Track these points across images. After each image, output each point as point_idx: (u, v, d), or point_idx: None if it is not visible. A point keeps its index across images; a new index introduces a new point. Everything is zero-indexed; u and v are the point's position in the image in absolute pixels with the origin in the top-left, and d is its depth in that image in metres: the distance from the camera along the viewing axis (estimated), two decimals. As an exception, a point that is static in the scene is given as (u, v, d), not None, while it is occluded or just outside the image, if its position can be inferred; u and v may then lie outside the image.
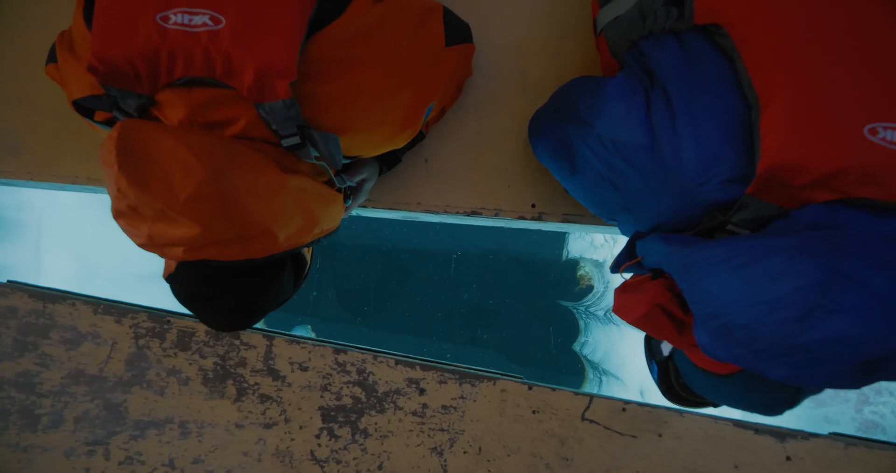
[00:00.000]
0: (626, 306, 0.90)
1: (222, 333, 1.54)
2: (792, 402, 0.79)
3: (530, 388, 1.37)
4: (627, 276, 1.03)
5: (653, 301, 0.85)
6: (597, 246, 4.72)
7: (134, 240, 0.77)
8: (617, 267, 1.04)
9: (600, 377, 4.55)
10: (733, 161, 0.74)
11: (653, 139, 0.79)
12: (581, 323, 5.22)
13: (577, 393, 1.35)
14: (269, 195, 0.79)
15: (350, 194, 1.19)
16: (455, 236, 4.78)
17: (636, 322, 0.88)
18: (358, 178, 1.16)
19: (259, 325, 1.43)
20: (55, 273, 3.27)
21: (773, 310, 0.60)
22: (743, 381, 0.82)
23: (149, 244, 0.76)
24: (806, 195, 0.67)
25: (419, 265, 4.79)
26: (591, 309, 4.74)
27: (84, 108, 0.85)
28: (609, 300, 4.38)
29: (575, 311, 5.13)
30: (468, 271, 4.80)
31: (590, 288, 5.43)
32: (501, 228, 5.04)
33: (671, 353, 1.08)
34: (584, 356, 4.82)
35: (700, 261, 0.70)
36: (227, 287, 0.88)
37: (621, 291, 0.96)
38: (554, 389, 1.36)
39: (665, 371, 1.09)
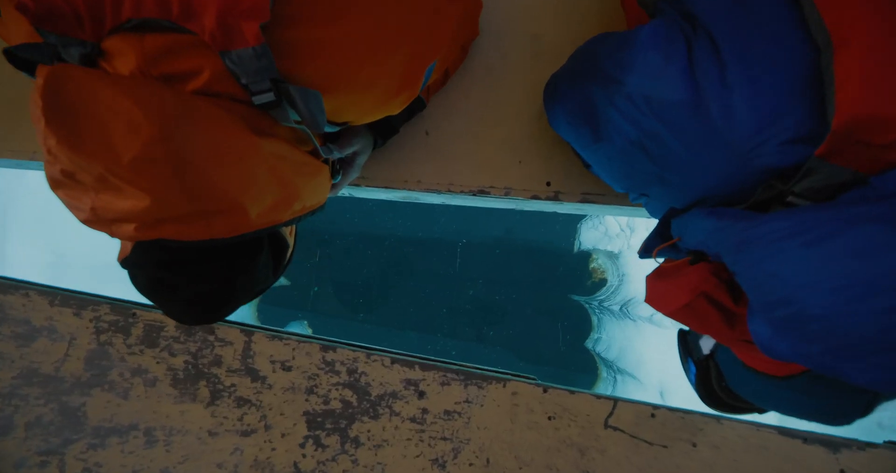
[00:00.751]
0: (664, 295, 0.79)
1: (194, 327, 1.43)
2: (866, 410, 0.70)
3: (545, 391, 1.27)
4: (660, 261, 0.92)
5: (696, 289, 0.74)
6: (611, 236, 4.60)
7: (77, 216, 0.69)
8: (647, 251, 0.94)
9: (615, 376, 4.45)
10: (798, 117, 0.64)
11: (696, 94, 0.68)
12: (594, 319, 5.12)
13: (598, 397, 1.25)
14: (235, 161, 0.69)
15: (339, 168, 1.08)
16: (459, 223, 4.67)
17: (676, 314, 0.77)
18: (348, 150, 1.05)
19: (237, 318, 1.32)
20: (23, 263, 3.16)
21: (862, 296, 0.49)
22: (806, 384, 0.72)
23: (93, 220, 0.67)
24: (891, 157, 0.56)
25: (421, 256, 4.70)
26: (605, 304, 4.63)
27: (20, 60, 0.74)
28: (624, 293, 4.27)
29: (587, 306, 5.02)
30: (474, 263, 4.70)
31: (603, 282, 5.32)
32: (511, 211, 4.92)
33: (713, 350, 0.97)
34: (598, 354, 4.73)
35: (761, 237, 0.60)
36: (191, 274, 0.78)
37: (655, 278, 0.85)
38: (572, 392, 1.26)
39: (705, 372, 0.99)
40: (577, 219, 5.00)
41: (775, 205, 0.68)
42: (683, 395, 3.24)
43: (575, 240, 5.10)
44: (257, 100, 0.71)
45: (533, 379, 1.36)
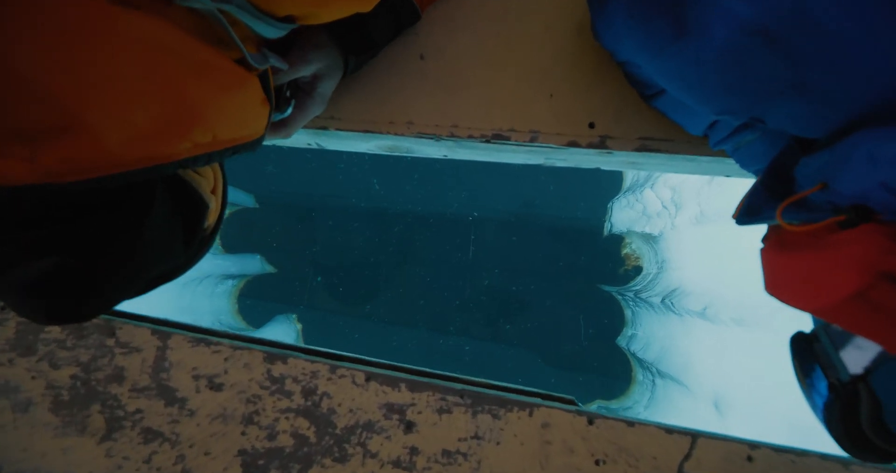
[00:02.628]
0: (808, 279, 0.54)
1: (87, 325, 1.18)
2: None
3: (591, 422, 1.01)
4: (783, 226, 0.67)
5: (871, 267, 0.49)
6: (649, 216, 4.29)
7: None
8: (755, 213, 0.69)
9: (653, 380, 4.19)
10: None
11: None
12: (627, 312, 4.85)
13: (670, 430, 0.98)
14: (70, 43, 0.45)
15: (291, 97, 0.82)
16: (469, 193, 4.40)
17: (833, 310, 0.51)
18: (303, 69, 0.81)
19: (153, 309, 1.07)
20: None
21: None
22: None
23: None
24: None
25: (426, 237, 4.44)
26: (642, 295, 4.36)
27: None
28: (666, 283, 3.98)
29: (620, 298, 4.76)
30: (487, 246, 4.44)
31: (638, 269, 5.03)
32: (530, 178, 4.65)
33: (869, 369, 0.69)
34: (632, 354, 4.47)
35: None
36: (27, 243, 0.54)
37: (780, 251, 0.60)
38: (630, 423, 0.99)
39: (849, 401, 0.71)
40: (608, 194, 4.72)
41: None
42: (747, 410, 2.99)
43: (605, 221, 4.82)
44: None
45: (572, 403, 1.07)
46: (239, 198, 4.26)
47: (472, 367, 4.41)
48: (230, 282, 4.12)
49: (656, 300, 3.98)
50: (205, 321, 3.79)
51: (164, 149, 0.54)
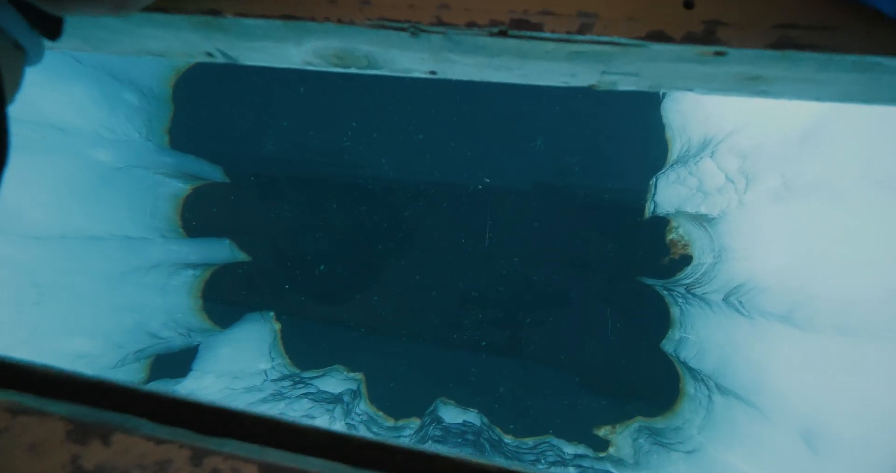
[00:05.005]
0: None
1: None
2: None
3: None
4: None
5: None
6: (706, 192, 3.50)
7: None
8: None
9: (709, 397, 3.45)
10: None
11: None
12: (674, 311, 4.10)
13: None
14: None
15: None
16: (476, 155, 3.67)
17: None
18: None
19: None
20: None
21: None
22: None
23: None
24: None
25: (432, 216, 3.74)
26: (696, 291, 3.60)
27: None
28: (727, 276, 3.21)
29: (666, 293, 4.01)
30: (505, 229, 3.73)
31: (687, 259, 4.26)
32: (551, 145, 3.88)
33: None
34: (681, 361, 3.73)
35: None
36: None
37: None
38: None
39: None
40: (650, 167, 3.95)
41: None
42: (849, 448, 2.25)
43: (647, 200, 4.05)
44: None
45: None
46: (203, 170, 3.55)
47: (483, 382, 3.69)
48: (190, 272, 3.45)
49: (716, 298, 3.22)
50: (155, 323, 3.11)
51: None
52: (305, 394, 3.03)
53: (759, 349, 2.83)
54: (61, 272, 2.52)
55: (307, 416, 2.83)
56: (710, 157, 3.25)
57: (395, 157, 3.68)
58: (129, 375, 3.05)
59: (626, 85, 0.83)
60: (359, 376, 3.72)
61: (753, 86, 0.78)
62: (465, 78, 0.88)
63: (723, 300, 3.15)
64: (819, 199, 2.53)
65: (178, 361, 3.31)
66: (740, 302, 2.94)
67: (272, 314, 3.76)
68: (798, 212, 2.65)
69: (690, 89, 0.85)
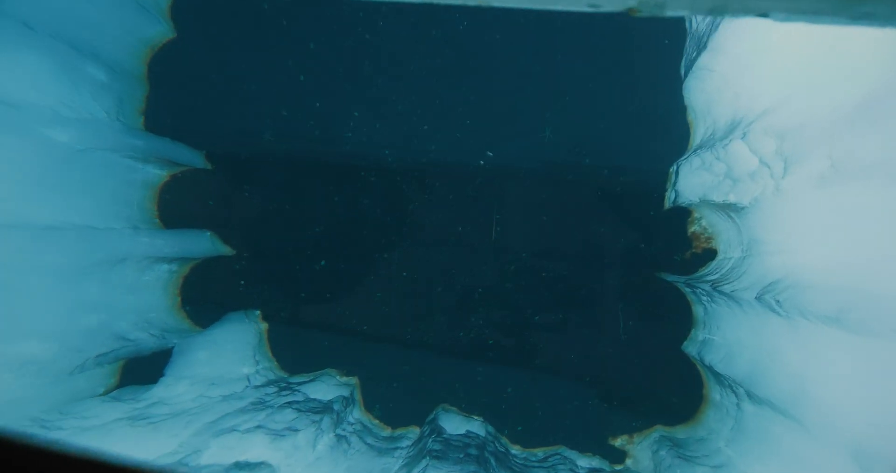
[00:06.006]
0: None
1: None
2: None
3: None
4: None
5: None
6: (735, 178, 3.16)
7: None
8: None
9: (738, 405, 3.13)
10: None
11: None
12: (697, 310, 3.78)
13: None
14: None
15: None
16: (479, 125, 3.35)
17: None
18: None
19: None
20: None
21: None
22: None
23: None
24: None
25: (433, 203, 3.43)
26: (723, 288, 3.27)
27: None
28: (760, 272, 2.88)
29: (688, 291, 3.69)
30: (514, 222, 3.43)
31: (710, 253, 3.94)
32: (559, 127, 3.54)
33: None
34: (706, 365, 3.41)
35: None
36: None
37: None
38: None
39: None
40: (670, 152, 3.63)
41: None
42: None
43: (668, 188, 3.73)
44: None
45: None
46: (182, 155, 3.25)
47: (488, 387, 3.40)
48: (165, 267, 3.16)
49: (747, 296, 2.91)
50: (123, 324, 2.82)
51: None
52: (290, 403, 2.74)
53: (801, 353, 2.52)
54: (8, 267, 2.23)
55: (290, 428, 2.54)
56: (742, 139, 2.92)
57: (395, 138, 3.37)
58: (93, 382, 2.77)
59: (676, 8, 0.71)
60: (353, 380, 3.42)
61: (855, 6, 0.67)
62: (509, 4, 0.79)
63: (755, 298, 2.83)
64: (874, 182, 2.21)
65: (151, 365, 3.02)
66: (777, 301, 2.62)
67: (258, 312, 3.46)
68: (848, 198, 2.33)
69: (765, 15, 0.73)
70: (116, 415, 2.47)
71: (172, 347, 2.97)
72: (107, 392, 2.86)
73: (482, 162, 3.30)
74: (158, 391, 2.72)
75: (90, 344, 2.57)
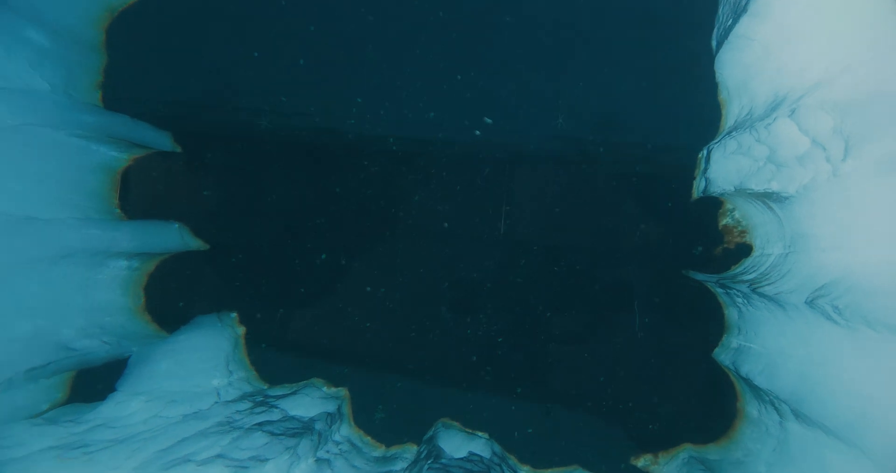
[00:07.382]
0: None
1: None
2: None
3: None
4: None
5: None
6: (779, 163, 2.78)
7: None
8: None
9: (780, 423, 2.77)
10: None
11: None
12: (731, 313, 3.41)
13: None
14: None
15: None
16: (496, 125, 2.99)
17: None
18: None
19: None
20: None
21: None
22: None
23: None
24: None
25: (433, 192, 3.08)
26: (763, 289, 2.90)
27: None
28: (809, 272, 2.51)
29: (720, 291, 3.33)
30: (525, 212, 3.07)
31: (745, 249, 3.57)
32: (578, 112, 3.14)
33: None
34: (741, 376, 3.06)
35: None
36: None
37: None
38: None
39: None
40: (700, 135, 3.26)
41: None
42: None
43: (696, 176, 3.36)
44: None
45: None
46: (146, 136, 2.89)
47: (494, 399, 3.04)
48: (124, 263, 2.80)
49: (793, 299, 2.54)
50: (68, 330, 2.46)
51: None
52: (262, 424, 2.38)
53: (865, 369, 2.15)
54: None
55: (257, 457, 2.18)
56: (789, 116, 2.54)
57: (393, 117, 3.00)
58: (32, 399, 2.41)
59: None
60: (342, 392, 3.08)
61: None
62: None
63: (805, 302, 2.46)
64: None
65: (102, 378, 2.67)
66: (835, 307, 2.25)
67: (234, 315, 3.11)
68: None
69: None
70: (46, 443, 2.12)
71: (127, 357, 2.62)
72: (48, 410, 2.51)
73: (488, 146, 2.94)
74: (105, 410, 2.36)
75: (21, 356, 2.22)
